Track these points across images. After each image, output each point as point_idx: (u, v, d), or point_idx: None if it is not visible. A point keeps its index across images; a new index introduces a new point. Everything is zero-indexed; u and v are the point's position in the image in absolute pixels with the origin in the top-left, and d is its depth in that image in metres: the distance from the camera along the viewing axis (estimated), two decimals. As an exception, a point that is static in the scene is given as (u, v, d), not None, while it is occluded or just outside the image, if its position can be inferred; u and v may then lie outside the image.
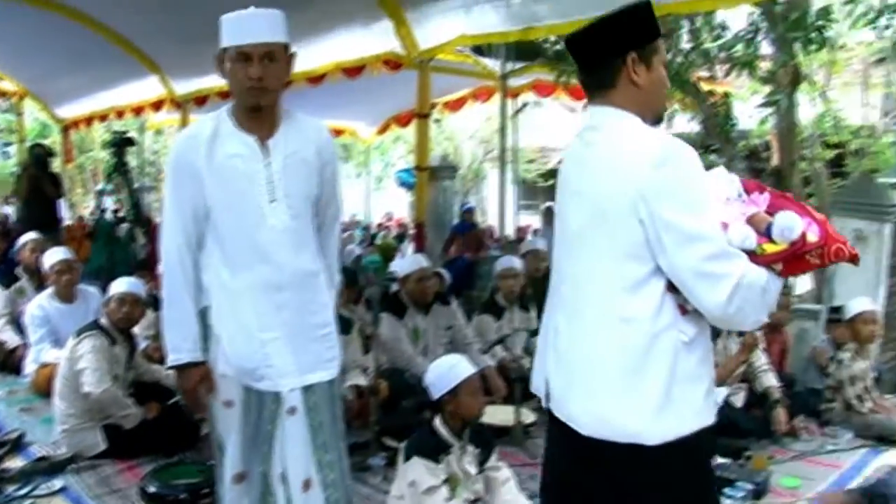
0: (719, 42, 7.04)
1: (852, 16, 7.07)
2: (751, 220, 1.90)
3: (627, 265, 1.91)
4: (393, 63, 7.30)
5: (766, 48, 7.14)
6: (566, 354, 2.05)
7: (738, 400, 4.99)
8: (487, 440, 3.60)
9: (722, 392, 4.72)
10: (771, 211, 1.92)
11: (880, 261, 6.05)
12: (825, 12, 6.32)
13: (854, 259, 1.92)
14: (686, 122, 8.61)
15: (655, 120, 2.03)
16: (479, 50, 8.25)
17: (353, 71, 7.63)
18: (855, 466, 4.54)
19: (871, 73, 11.16)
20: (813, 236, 1.88)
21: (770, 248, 1.87)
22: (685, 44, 7.19)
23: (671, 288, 1.90)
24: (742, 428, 4.72)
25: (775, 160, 8.13)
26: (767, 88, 7.39)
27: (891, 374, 6.26)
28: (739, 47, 6.91)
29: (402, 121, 11.44)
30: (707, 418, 1.96)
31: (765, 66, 7.70)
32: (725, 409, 4.67)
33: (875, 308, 5.39)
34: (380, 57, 7.28)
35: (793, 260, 1.89)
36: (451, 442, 3.40)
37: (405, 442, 3.49)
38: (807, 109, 9.83)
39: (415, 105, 7.66)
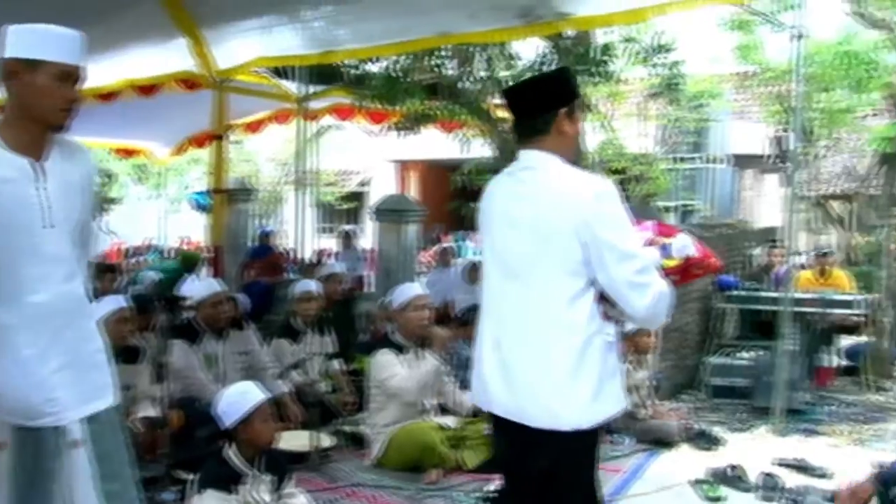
0: (512, 71, 7.37)
1: (630, 53, 7.62)
2: (651, 243, 2.39)
3: (569, 281, 2.32)
4: (189, 82, 7.09)
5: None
6: (514, 363, 2.41)
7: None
8: (282, 467, 3.55)
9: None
10: (661, 235, 2.48)
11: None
12: (607, 49, 6.79)
13: (719, 270, 2.65)
14: (480, 147, 8.93)
15: (572, 162, 2.45)
16: (279, 72, 8.18)
17: (148, 89, 7.33)
18: (634, 469, 4.87)
19: (648, 105, 12.10)
20: (697, 253, 2.52)
21: (669, 263, 2.45)
22: (480, 72, 7.46)
23: (596, 299, 2.35)
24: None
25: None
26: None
27: (667, 383, 6.76)
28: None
29: (199, 142, 11.08)
30: (623, 402, 2.47)
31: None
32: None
33: (652, 322, 5.79)
34: (176, 76, 7.04)
35: (684, 272, 2.53)
36: (244, 471, 3.33)
37: (197, 474, 3.37)
38: (592, 137, 10.49)
39: (211, 126, 7.48)
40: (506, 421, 2.45)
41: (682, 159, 13.09)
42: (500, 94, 7.73)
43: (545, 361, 2.35)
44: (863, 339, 8.18)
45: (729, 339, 8.64)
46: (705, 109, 12.33)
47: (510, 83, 7.14)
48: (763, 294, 7.69)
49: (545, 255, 2.35)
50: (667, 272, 2.42)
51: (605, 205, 2.32)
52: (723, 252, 8.88)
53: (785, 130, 14.07)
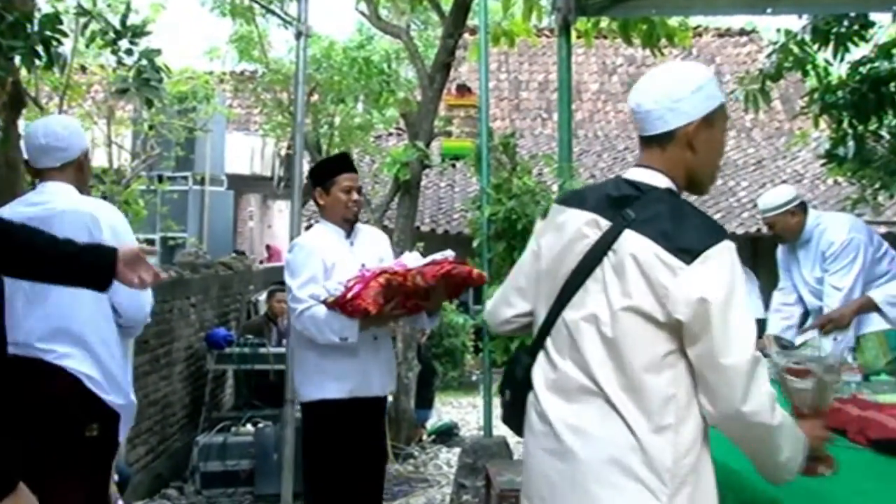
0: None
1: (90, 33, 7.29)
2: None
3: None
4: None
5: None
6: None
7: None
8: None
9: None
10: (363, 283, 4.40)
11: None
12: (53, 21, 6.38)
13: (366, 312, 4.38)
14: None
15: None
16: None
17: None
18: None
19: (117, 105, 11.75)
20: (350, 294, 4.33)
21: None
22: None
23: None
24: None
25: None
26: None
27: (145, 475, 6.58)
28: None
29: None
30: (330, 393, 4.60)
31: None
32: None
33: None
34: None
35: (342, 305, 4.37)
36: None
37: None
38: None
39: None
40: None
41: (164, 178, 12.94)
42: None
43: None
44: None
45: (227, 410, 8.74)
46: (195, 115, 12.35)
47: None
48: (267, 351, 7.91)
49: None
50: (327, 305, 4.42)
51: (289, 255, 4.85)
52: (217, 298, 8.99)
53: (289, 148, 14.79)
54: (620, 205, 2.44)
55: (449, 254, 4.65)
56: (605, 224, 2.43)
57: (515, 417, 2.64)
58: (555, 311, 2.51)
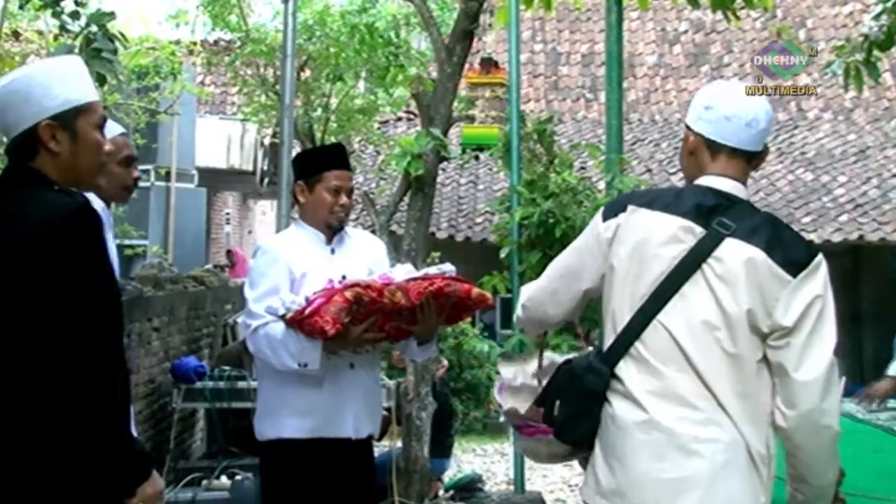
0: None
1: (22, -7, 7.30)
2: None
3: None
4: None
5: None
6: None
7: None
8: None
9: None
10: (325, 298, 4.31)
11: None
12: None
13: (322, 332, 4.29)
14: None
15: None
16: None
17: None
18: None
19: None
20: (308, 310, 4.26)
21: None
22: None
23: None
24: None
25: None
26: None
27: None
28: None
29: None
30: (284, 432, 4.53)
31: None
32: None
33: None
34: None
35: (299, 323, 4.30)
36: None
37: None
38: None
39: None
40: None
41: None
42: None
43: None
44: (387, 444, 8.59)
45: (197, 459, 8.67)
46: (157, 95, 12.39)
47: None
48: (247, 385, 7.84)
49: None
50: (285, 321, 4.33)
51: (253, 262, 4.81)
52: (186, 321, 8.94)
53: (275, 136, 14.73)
54: (712, 213, 2.99)
55: (448, 268, 4.61)
56: (700, 231, 2.97)
57: (583, 430, 3.13)
58: (644, 315, 3.00)
